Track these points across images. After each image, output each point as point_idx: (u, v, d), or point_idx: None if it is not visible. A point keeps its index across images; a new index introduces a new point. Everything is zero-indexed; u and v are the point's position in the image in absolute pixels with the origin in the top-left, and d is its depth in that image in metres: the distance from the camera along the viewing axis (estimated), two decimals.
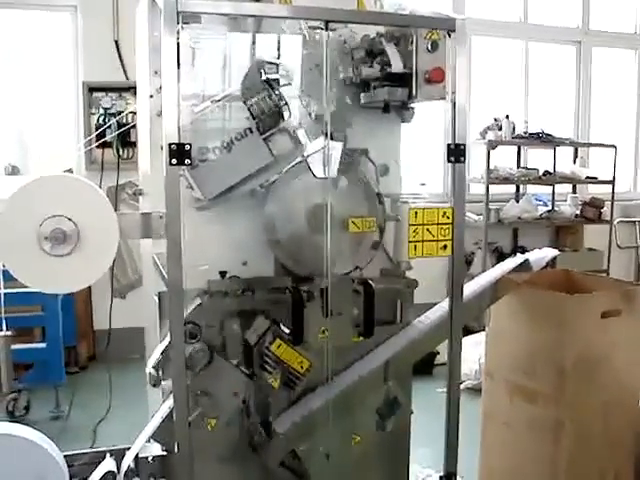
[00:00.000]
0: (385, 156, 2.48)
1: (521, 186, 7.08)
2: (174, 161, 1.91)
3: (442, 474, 2.40)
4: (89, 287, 5.32)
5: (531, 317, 2.69)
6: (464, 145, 2.22)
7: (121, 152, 5.22)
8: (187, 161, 1.92)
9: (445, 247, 2.26)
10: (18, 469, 2.11)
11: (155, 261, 2.32)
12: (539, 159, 7.05)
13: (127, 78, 5.54)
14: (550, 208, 6.97)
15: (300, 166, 2.26)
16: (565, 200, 7.15)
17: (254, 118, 2.13)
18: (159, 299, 2.24)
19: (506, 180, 6.57)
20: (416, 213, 2.19)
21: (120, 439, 4.05)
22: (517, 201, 6.87)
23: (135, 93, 2.73)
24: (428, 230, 2.20)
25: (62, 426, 4.50)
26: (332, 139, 2.25)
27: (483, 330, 4.16)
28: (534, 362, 2.68)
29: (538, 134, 6.68)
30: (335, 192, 2.25)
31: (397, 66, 2.15)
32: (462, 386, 5.31)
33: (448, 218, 2.23)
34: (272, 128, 2.17)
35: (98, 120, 5.61)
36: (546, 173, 6.78)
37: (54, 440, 4.08)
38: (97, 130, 5.53)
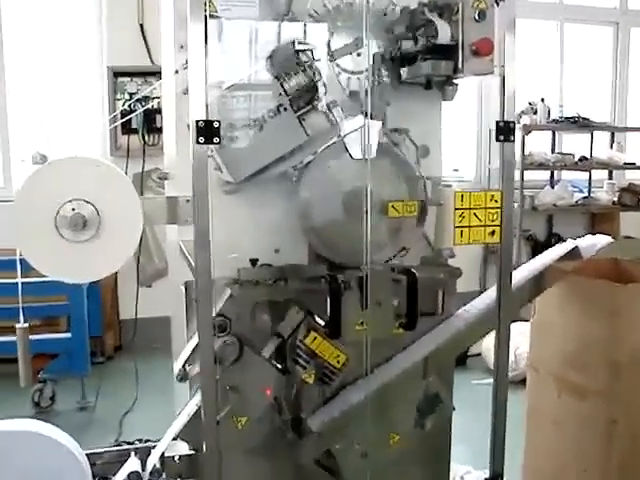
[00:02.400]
0: (425, 136, 2.32)
1: (556, 172, 6.87)
2: (202, 139, 1.76)
3: (487, 476, 2.25)
4: (115, 276, 5.26)
5: (581, 308, 2.52)
6: (514, 122, 2.06)
7: (147, 138, 5.15)
8: (216, 139, 1.78)
9: (493, 233, 2.10)
10: (37, 468, 1.99)
11: (182, 249, 2.18)
12: (574, 144, 6.85)
13: (152, 62, 5.42)
14: (586, 195, 6.78)
15: (336, 147, 2.10)
16: (601, 187, 6.95)
17: (287, 95, 1.98)
18: (186, 289, 2.11)
19: (541, 166, 6.39)
20: (462, 196, 2.03)
21: (146, 431, 3.99)
22: (552, 187, 6.70)
23: (161, 77, 2.60)
24: (475, 215, 2.04)
25: (88, 417, 4.44)
26: (370, 118, 2.09)
27: (518, 320, 4.03)
28: (584, 356, 2.51)
29: (574, 118, 6.47)
30: (373, 174, 2.09)
31: (444, 36, 1.98)
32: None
33: (496, 202, 2.07)
34: (306, 106, 2.02)
35: (123, 106, 5.51)
36: (582, 159, 6.56)
37: (80, 432, 4.07)
38: (122, 116, 5.46)
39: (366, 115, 2.04)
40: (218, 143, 1.79)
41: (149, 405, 4.34)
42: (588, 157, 6.57)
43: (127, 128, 5.42)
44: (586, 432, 2.54)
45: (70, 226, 1.85)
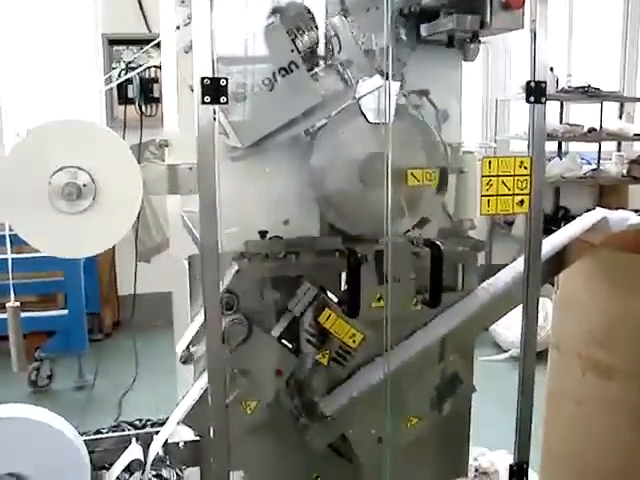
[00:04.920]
0: (446, 99, 2.15)
1: (564, 143, 6.71)
2: (207, 99, 1.59)
3: (512, 462, 2.11)
4: (112, 251, 5.11)
5: (610, 283, 2.36)
6: (545, 83, 1.89)
7: (144, 109, 4.97)
8: (223, 99, 1.61)
9: (522, 202, 1.94)
10: (32, 456, 1.85)
11: (184, 221, 2.03)
12: (583, 115, 6.66)
13: (150, 31, 5.24)
14: (595, 167, 6.61)
15: (351, 110, 1.94)
16: (609, 158, 6.78)
17: (299, 52, 1.81)
18: (189, 264, 1.96)
19: (549, 137, 6.19)
20: (490, 162, 1.87)
21: (146, 411, 3.89)
22: (560, 159, 6.54)
23: (159, 45, 2.43)
24: (503, 183, 1.89)
25: (87, 396, 4.34)
26: (387, 78, 1.93)
27: None
28: (612, 333, 2.36)
29: (583, 88, 6.29)
30: (391, 139, 1.93)
31: None
32: (507, 354, 5.10)
33: (526, 169, 1.90)
34: (319, 64, 1.86)
35: (119, 75, 5.33)
36: (591, 130, 6.38)
37: (78, 412, 3.95)
38: (118, 86, 5.29)
39: (385, 76, 1.87)
40: (226, 103, 1.62)
41: (149, 384, 4.23)
42: (597, 128, 6.38)
43: (123, 98, 5.28)
44: (612, 414, 2.39)
45: (64, 196, 1.69)
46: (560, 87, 6.33)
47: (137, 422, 3.83)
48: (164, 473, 2.61)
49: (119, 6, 5.29)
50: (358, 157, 1.94)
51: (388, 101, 1.85)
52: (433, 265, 1.92)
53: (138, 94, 4.96)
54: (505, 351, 4.80)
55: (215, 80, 1.60)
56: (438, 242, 1.96)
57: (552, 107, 6.59)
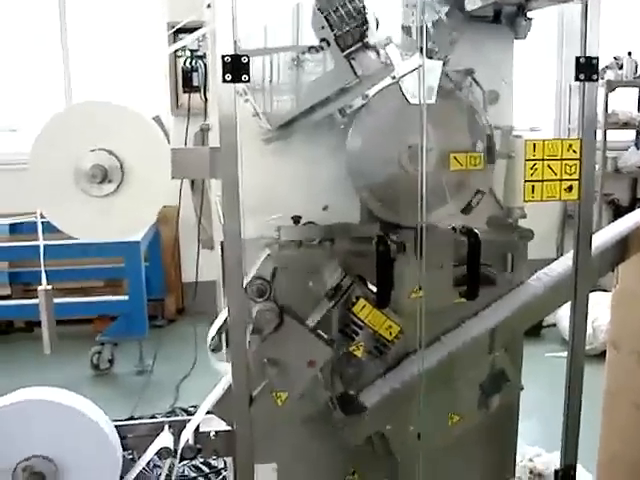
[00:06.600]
0: (494, 80, 2.03)
1: None
2: (228, 77, 1.53)
3: (559, 467, 1.98)
4: (176, 237, 5.15)
5: None
6: (597, 59, 1.75)
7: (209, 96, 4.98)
8: (245, 77, 1.54)
9: (571, 189, 1.81)
10: (62, 441, 1.84)
11: (217, 206, 1.98)
12: None
13: None
14: None
15: (391, 90, 1.84)
16: None
17: (332, 30, 1.73)
18: (221, 249, 1.90)
19: (626, 125, 6.00)
20: (535, 145, 1.75)
21: (203, 397, 3.89)
22: (638, 148, 6.25)
23: None
24: (549, 167, 1.76)
25: (145, 381, 4.39)
26: (430, 58, 1.83)
27: (597, 290, 3.72)
28: None
29: None
30: (434, 122, 1.82)
31: None
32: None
33: (575, 152, 1.77)
34: (356, 43, 1.77)
35: (185, 63, 5.36)
36: None
37: (137, 396, 3.99)
38: (184, 74, 5.32)
39: (423, 53, 1.77)
40: (247, 81, 1.55)
41: (207, 371, 4.22)
42: None
43: (188, 86, 5.31)
44: None
45: (89, 179, 1.66)
46: (639, 73, 6.04)
47: (192, 409, 3.83)
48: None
49: None
50: (399, 140, 1.84)
51: (422, 80, 1.75)
52: (470, 254, 1.81)
53: (203, 82, 4.99)
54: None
55: (236, 57, 1.53)
56: (476, 230, 1.84)
57: (630, 94, 6.33)
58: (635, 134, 6.41)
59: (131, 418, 3.65)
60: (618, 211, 6.20)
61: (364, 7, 1.75)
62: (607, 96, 5.73)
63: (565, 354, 2.03)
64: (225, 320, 1.83)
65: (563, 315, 4.42)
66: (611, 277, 2.46)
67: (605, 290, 3.07)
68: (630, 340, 2.40)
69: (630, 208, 6.19)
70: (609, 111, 5.83)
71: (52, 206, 1.71)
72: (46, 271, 1.96)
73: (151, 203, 1.73)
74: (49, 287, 1.93)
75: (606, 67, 5.96)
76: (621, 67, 5.97)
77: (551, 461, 2.86)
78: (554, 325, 4.77)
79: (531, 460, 2.86)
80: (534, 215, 2.05)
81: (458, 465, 2.14)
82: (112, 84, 5.27)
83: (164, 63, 5.39)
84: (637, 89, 6.35)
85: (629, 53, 5.96)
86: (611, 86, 5.77)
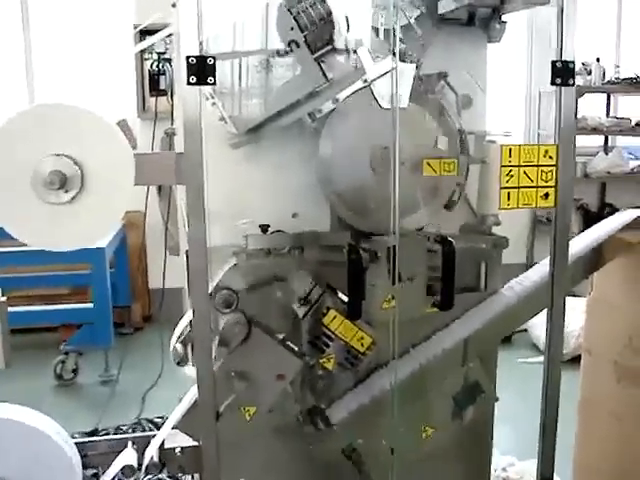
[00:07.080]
0: (468, 84, 1.98)
1: (610, 137, 6.49)
2: (193, 79, 1.46)
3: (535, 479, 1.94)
4: (143, 243, 5.05)
5: None
6: (573, 63, 1.72)
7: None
8: (211, 79, 1.47)
9: (547, 196, 1.76)
10: (17, 460, 1.75)
11: (182, 212, 1.90)
12: (631, 108, 6.42)
13: None
14: None
15: (362, 94, 1.78)
16: None
17: (302, 31, 1.67)
18: (187, 258, 1.83)
19: (595, 131, 6.00)
20: (510, 150, 1.70)
21: (170, 408, 3.80)
22: (606, 154, 6.29)
23: None
24: (525, 173, 1.71)
25: (111, 391, 4.27)
26: (402, 61, 1.77)
27: (569, 295, 3.69)
28: None
29: (632, 79, 6.03)
30: (406, 127, 1.77)
31: None
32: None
33: (551, 158, 1.73)
34: (326, 45, 1.71)
35: (152, 66, 5.26)
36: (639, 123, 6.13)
37: (102, 407, 3.88)
38: (150, 77, 5.22)
39: (395, 56, 1.71)
40: (213, 84, 1.48)
41: (174, 380, 4.12)
42: None
43: (156, 89, 5.21)
44: None
45: (47, 185, 1.57)
46: (607, 79, 6.08)
47: (158, 419, 3.74)
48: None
49: None
50: (370, 146, 1.78)
51: (395, 84, 1.69)
52: (445, 263, 1.75)
53: (170, 85, 4.89)
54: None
55: (201, 59, 1.46)
56: (450, 238, 1.79)
57: (598, 99, 6.38)
58: (604, 140, 6.47)
59: (95, 430, 3.55)
60: (587, 216, 6.21)
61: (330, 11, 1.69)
62: (576, 102, 5.72)
63: (537, 359, 1.99)
64: (190, 330, 1.76)
65: (535, 321, 4.40)
66: (583, 282, 2.43)
67: (576, 295, 3.04)
68: (605, 347, 2.37)
69: (599, 213, 6.22)
70: (578, 116, 5.84)
71: (7, 212, 1.62)
72: (5, 279, 1.87)
73: (112, 211, 1.65)
74: (3, 298, 1.84)
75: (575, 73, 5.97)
76: (589, 73, 5.99)
77: (524, 470, 2.83)
78: (525, 331, 4.76)
79: (504, 470, 2.82)
80: (503, 220, 2.01)
81: (432, 478, 2.08)
82: (78, 87, 5.17)
83: (131, 65, 5.30)
84: (605, 95, 6.39)
85: (597, 59, 5.98)
86: (580, 92, 5.78)
